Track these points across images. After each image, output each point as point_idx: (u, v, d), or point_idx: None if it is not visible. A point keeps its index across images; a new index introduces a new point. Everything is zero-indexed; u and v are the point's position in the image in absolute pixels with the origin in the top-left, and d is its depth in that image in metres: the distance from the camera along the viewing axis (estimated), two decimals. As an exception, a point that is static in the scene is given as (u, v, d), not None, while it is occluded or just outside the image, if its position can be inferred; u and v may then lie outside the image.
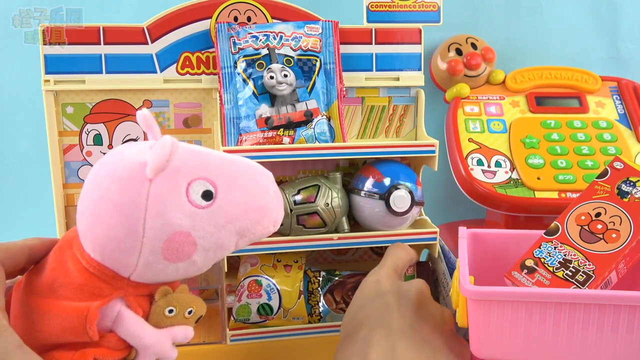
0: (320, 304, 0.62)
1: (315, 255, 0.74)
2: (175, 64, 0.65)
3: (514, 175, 0.71)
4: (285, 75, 0.64)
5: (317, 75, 0.66)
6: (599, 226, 0.46)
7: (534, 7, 0.86)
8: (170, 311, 0.39)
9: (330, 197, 0.62)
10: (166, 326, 0.40)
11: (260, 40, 0.65)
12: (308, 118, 0.64)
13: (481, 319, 0.42)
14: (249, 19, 0.67)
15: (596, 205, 0.47)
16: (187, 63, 0.66)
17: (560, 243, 0.46)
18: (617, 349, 0.40)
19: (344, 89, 0.67)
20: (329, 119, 0.65)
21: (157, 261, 0.37)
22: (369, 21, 0.68)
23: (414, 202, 0.62)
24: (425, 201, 0.65)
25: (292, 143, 0.63)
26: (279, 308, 0.61)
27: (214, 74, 0.66)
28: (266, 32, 0.65)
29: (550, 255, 0.46)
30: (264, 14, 0.67)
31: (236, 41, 0.65)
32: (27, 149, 0.81)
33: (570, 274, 0.44)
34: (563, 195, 0.69)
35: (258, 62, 0.65)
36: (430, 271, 0.65)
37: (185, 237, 0.37)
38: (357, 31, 0.69)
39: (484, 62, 0.79)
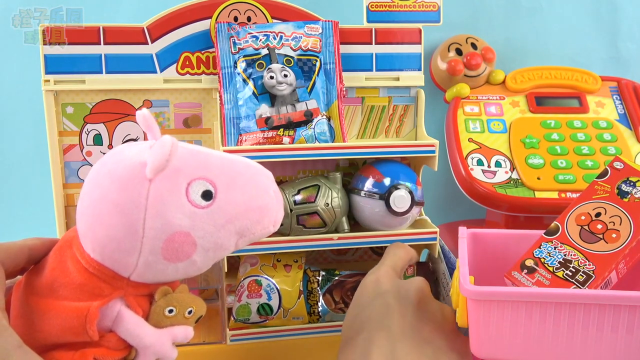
0: (319, 304, 0.62)
1: (315, 255, 0.74)
2: (175, 64, 0.65)
3: (514, 175, 0.71)
4: (285, 75, 0.64)
5: (317, 75, 0.66)
6: (599, 226, 0.46)
7: (534, 7, 0.86)
8: (170, 311, 0.39)
9: (330, 197, 0.62)
10: (166, 326, 0.40)
11: (260, 40, 0.65)
12: (308, 118, 0.64)
13: (481, 319, 0.42)
14: (249, 19, 0.67)
15: (596, 205, 0.47)
16: (187, 63, 0.66)
17: (560, 243, 0.46)
18: (617, 349, 0.40)
19: (344, 89, 0.67)
20: (329, 119, 0.65)
21: (157, 261, 0.37)
22: (369, 21, 0.68)
23: (414, 202, 0.62)
24: (425, 201, 0.65)
25: (292, 143, 0.63)
26: (278, 308, 0.61)
27: (214, 74, 0.66)
28: (266, 32, 0.65)
29: (550, 255, 0.46)
30: (264, 14, 0.67)
31: (236, 41, 0.65)
32: (27, 149, 0.81)
33: (570, 274, 0.44)
34: (563, 195, 0.69)
35: (258, 62, 0.65)
36: (430, 271, 0.65)
37: (185, 237, 0.37)
38: (357, 31, 0.69)
39: (484, 62, 0.79)
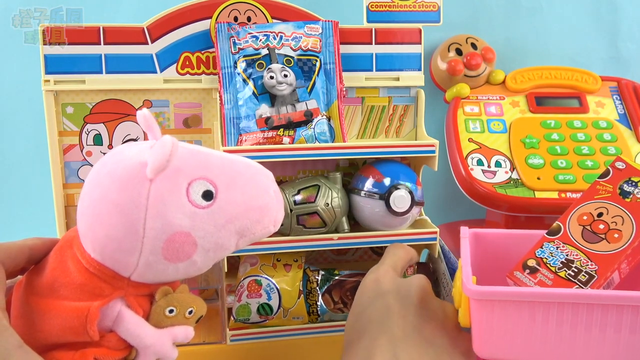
0: (319, 304, 0.62)
1: (315, 255, 0.74)
2: (175, 64, 0.65)
3: (514, 175, 0.71)
4: (285, 75, 0.64)
5: (317, 75, 0.66)
6: (601, 226, 0.46)
7: (534, 7, 0.86)
8: (171, 311, 0.39)
9: (330, 197, 0.61)
10: (166, 326, 0.40)
11: (260, 40, 0.65)
12: (308, 118, 0.64)
13: (484, 318, 0.41)
14: (249, 19, 0.67)
15: (598, 205, 0.47)
16: (187, 63, 0.66)
17: (563, 243, 0.46)
18: (620, 349, 0.40)
19: (344, 89, 0.67)
20: (329, 119, 0.65)
21: (158, 261, 0.37)
22: (369, 21, 0.68)
23: (414, 202, 0.62)
24: (425, 201, 0.65)
25: (292, 143, 0.63)
26: (278, 308, 0.61)
27: (214, 74, 0.66)
28: (266, 32, 0.65)
29: (552, 255, 0.46)
30: (264, 14, 0.67)
31: (236, 41, 0.65)
32: (27, 149, 0.81)
33: (573, 274, 0.44)
34: (563, 195, 0.69)
35: (258, 62, 0.65)
36: (430, 271, 0.65)
37: (186, 237, 0.36)
38: (357, 31, 0.69)
39: (484, 62, 0.79)
